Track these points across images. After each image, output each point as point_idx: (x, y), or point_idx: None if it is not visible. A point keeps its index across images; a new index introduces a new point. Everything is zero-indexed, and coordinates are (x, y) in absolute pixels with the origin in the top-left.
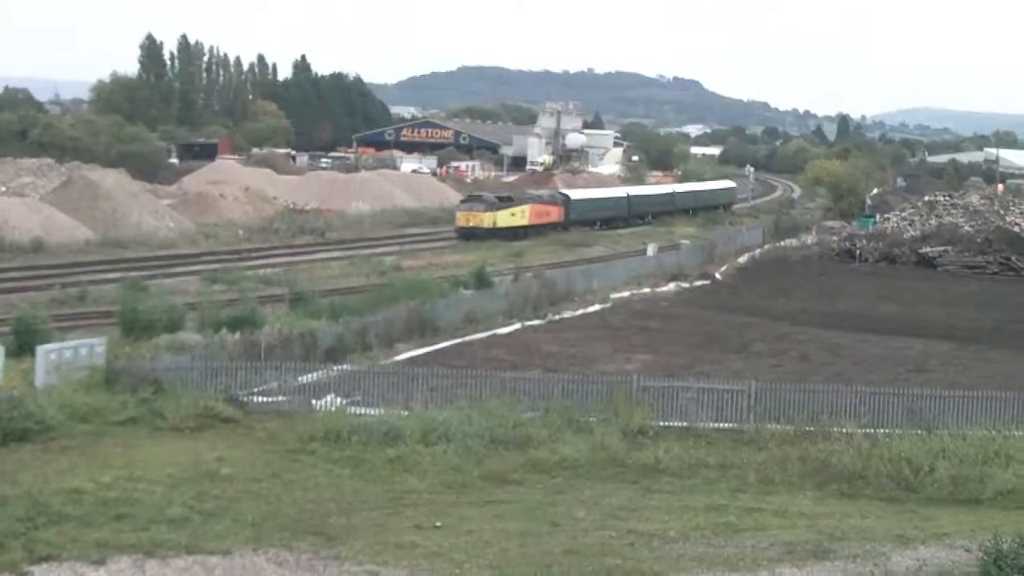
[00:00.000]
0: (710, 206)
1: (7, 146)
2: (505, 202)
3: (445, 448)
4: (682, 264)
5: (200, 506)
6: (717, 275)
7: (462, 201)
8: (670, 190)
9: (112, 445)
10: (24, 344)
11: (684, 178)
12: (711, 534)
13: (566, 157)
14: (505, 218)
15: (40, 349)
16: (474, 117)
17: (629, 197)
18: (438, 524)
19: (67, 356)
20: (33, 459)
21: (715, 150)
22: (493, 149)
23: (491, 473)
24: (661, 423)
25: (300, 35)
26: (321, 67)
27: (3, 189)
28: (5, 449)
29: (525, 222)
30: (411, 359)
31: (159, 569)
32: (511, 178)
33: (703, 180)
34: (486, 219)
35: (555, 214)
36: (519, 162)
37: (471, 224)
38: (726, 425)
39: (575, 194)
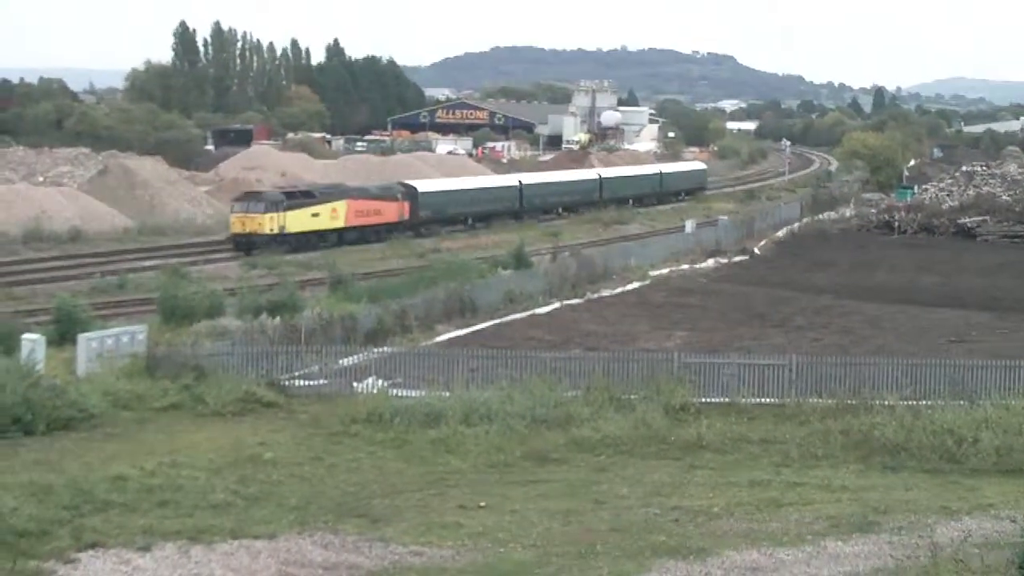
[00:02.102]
0: (659, 193)
1: (43, 136)
2: (301, 199)
3: (487, 428)
4: (720, 240)
5: (244, 491)
6: (756, 250)
7: (236, 200)
8: (592, 176)
9: (155, 432)
10: (65, 333)
11: (634, 160)
12: (755, 509)
13: (601, 135)
14: (300, 220)
15: (81, 337)
16: (509, 97)
17: (521, 186)
18: (482, 504)
19: (108, 344)
20: (77, 447)
21: (751, 125)
22: (528, 129)
23: (533, 452)
24: (703, 399)
25: (333, 19)
26: (354, 50)
27: (40, 179)
28: (49, 438)
29: (340, 223)
30: (451, 340)
31: (204, 554)
32: (547, 157)
33: (660, 162)
34: (267, 222)
35: (392, 211)
36: (555, 141)
37: (247, 230)
38: (768, 400)
39: (425, 185)
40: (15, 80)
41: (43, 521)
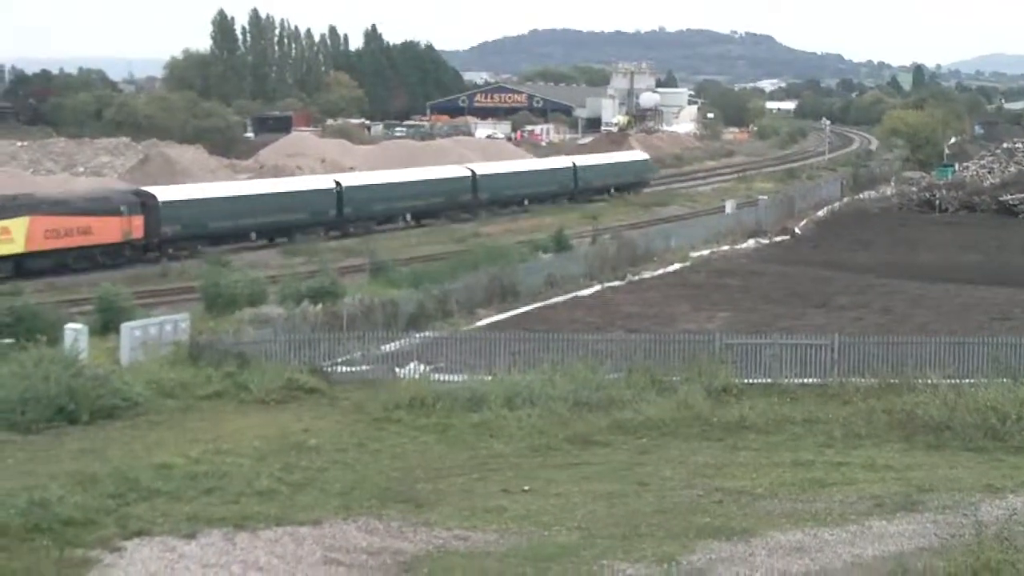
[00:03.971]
0: (579, 190)
1: (84, 126)
2: None
3: (530, 412)
4: (761, 220)
5: (288, 477)
6: (796, 230)
7: None
8: (462, 173)
9: (199, 420)
10: (108, 322)
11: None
12: (799, 490)
13: (640, 117)
14: None
15: (124, 327)
16: (547, 80)
17: (343, 190)
18: (525, 488)
19: (151, 333)
20: (122, 435)
21: (790, 104)
22: (567, 112)
23: (576, 435)
24: (745, 380)
25: (371, 4)
26: (392, 36)
27: (81, 170)
28: (94, 427)
29: (17, 248)
30: (492, 324)
31: (250, 541)
32: (586, 140)
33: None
34: None
35: (110, 229)
36: (594, 123)
37: None
38: (810, 380)
39: (169, 193)
40: (54, 71)
41: (89, 510)
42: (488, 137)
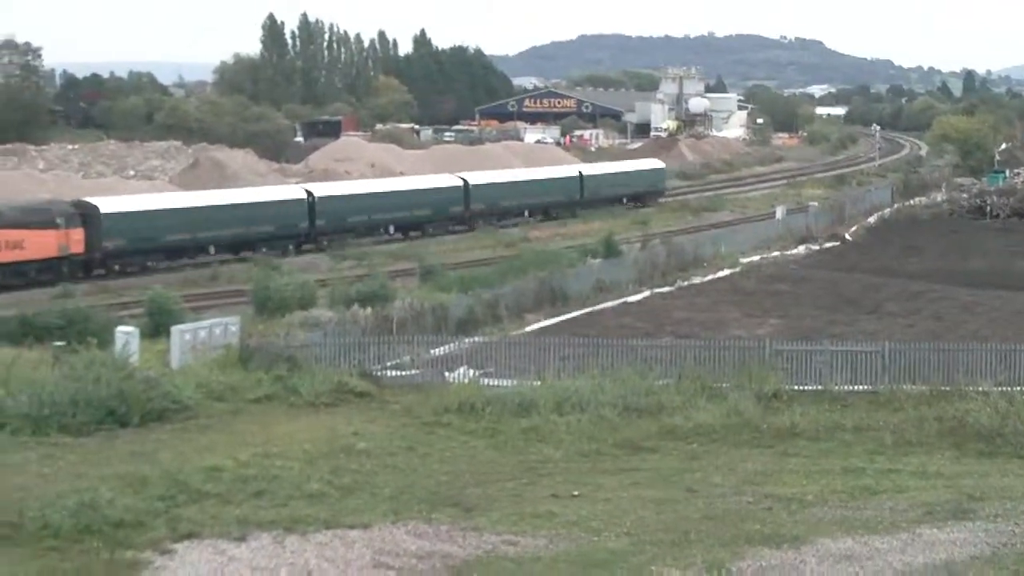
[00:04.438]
0: (585, 200)
1: (134, 130)
2: None
3: (579, 417)
4: (811, 226)
5: (338, 481)
6: (847, 236)
7: None
8: (452, 183)
9: (249, 423)
10: (159, 325)
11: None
12: (849, 497)
13: (690, 122)
14: None
15: (174, 330)
16: (596, 85)
17: (315, 200)
18: (575, 493)
19: (201, 336)
20: (172, 438)
21: (840, 110)
22: (616, 116)
23: (625, 441)
24: (795, 387)
25: (420, 9)
26: (441, 41)
27: (132, 173)
28: (144, 429)
29: None
30: (541, 329)
31: (299, 544)
32: (635, 145)
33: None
34: None
35: (45, 244)
36: (643, 129)
37: None
38: (861, 387)
39: (111, 204)
40: (105, 74)
41: (139, 512)
42: (537, 142)
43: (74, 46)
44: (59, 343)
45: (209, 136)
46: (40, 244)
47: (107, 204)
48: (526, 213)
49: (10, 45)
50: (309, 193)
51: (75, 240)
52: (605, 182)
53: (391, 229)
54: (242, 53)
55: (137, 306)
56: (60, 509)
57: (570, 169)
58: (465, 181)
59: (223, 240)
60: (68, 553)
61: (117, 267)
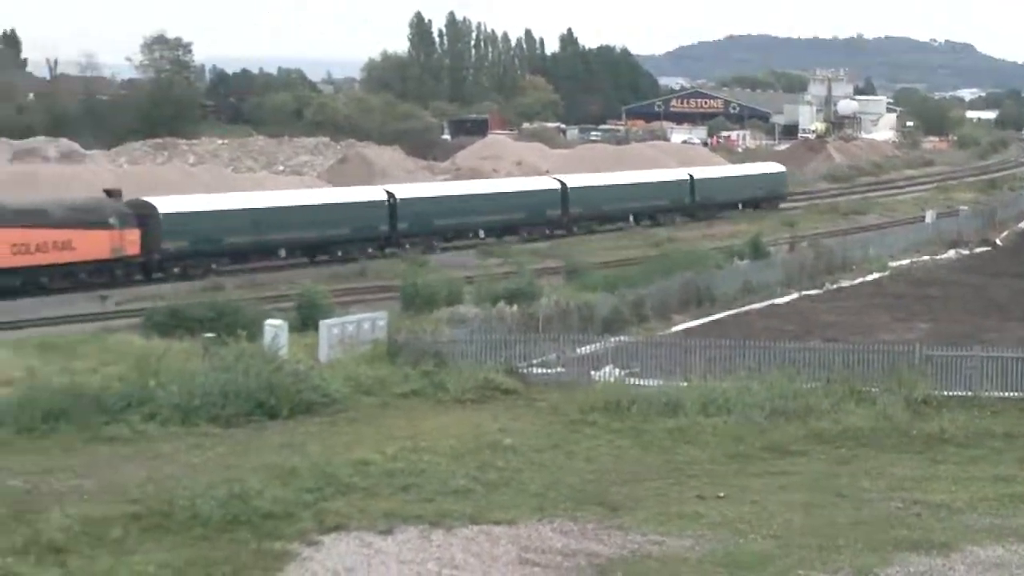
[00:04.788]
0: (697, 205)
1: (284, 126)
2: None
3: (725, 419)
4: (961, 230)
5: (483, 477)
6: (998, 241)
7: None
8: (549, 185)
9: (396, 417)
10: (307, 319)
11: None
12: (999, 505)
13: (838, 124)
14: None
15: (323, 324)
16: (743, 86)
17: (396, 203)
18: (721, 494)
19: (349, 330)
20: (320, 431)
21: (990, 114)
22: (764, 118)
23: (773, 444)
24: (945, 392)
25: (567, 8)
26: (588, 40)
27: (281, 168)
28: (293, 421)
29: None
30: (687, 330)
31: (445, 539)
32: (783, 146)
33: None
34: None
35: (97, 244)
36: (790, 130)
37: None
38: (1012, 394)
39: (171, 204)
40: (255, 70)
41: (287, 503)
42: (684, 142)
43: (224, 42)
44: (209, 335)
45: (357, 133)
46: (91, 245)
47: (166, 204)
48: (631, 218)
49: (161, 40)
50: (390, 194)
51: (130, 241)
52: (719, 186)
53: (481, 233)
54: (390, 51)
55: (286, 300)
56: (210, 499)
57: (679, 172)
58: (563, 183)
59: (294, 243)
60: (217, 542)
61: (177, 270)
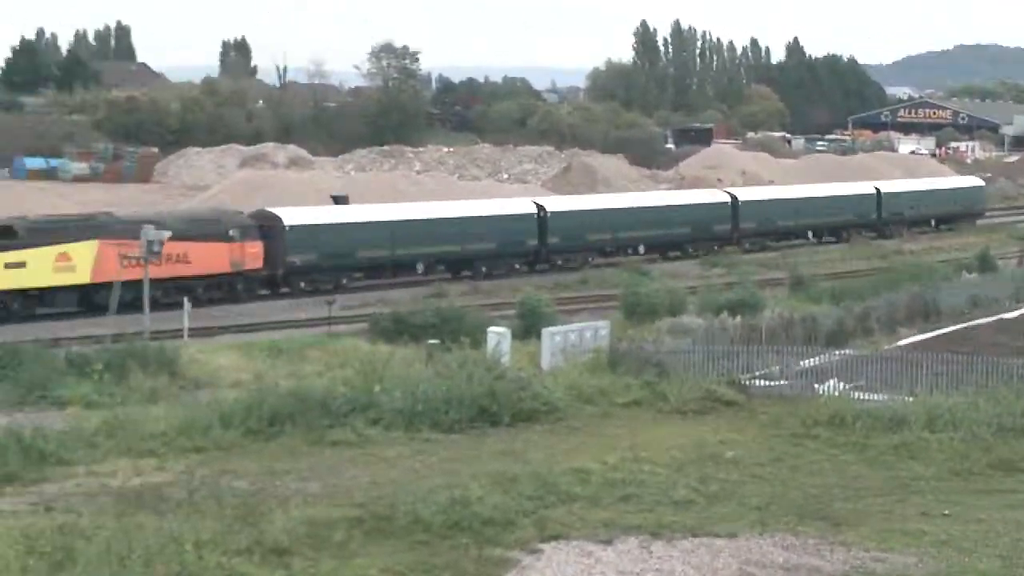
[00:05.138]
0: (884, 221)
1: (508, 134)
2: None
3: (951, 435)
4: None
5: (704, 489)
6: None
7: None
8: (719, 199)
9: (617, 427)
10: (529, 327)
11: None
12: None
13: None
14: None
15: (545, 332)
16: (972, 96)
17: (547, 216)
18: (946, 512)
19: (571, 339)
20: (540, 439)
21: None
22: (993, 129)
23: (1000, 461)
24: None
25: (793, 17)
26: (814, 49)
27: (505, 176)
28: (513, 429)
29: (83, 278)
30: (914, 344)
31: (665, 550)
32: (1014, 158)
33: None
34: None
35: (217, 257)
36: (1021, 141)
37: None
38: None
39: (296, 216)
40: (480, 79)
41: (508, 510)
42: (911, 153)
43: (451, 51)
44: (433, 341)
45: (581, 141)
46: (208, 258)
47: (292, 216)
48: (809, 234)
49: (389, 49)
50: (540, 208)
51: (252, 255)
52: (909, 201)
53: (641, 248)
54: (615, 60)
55: (509, 307)
56: (431, 504)
57: (865, 186)
58: (734, 197)
59: (432, 257)
60: (438, 548)
61: (304, 285)
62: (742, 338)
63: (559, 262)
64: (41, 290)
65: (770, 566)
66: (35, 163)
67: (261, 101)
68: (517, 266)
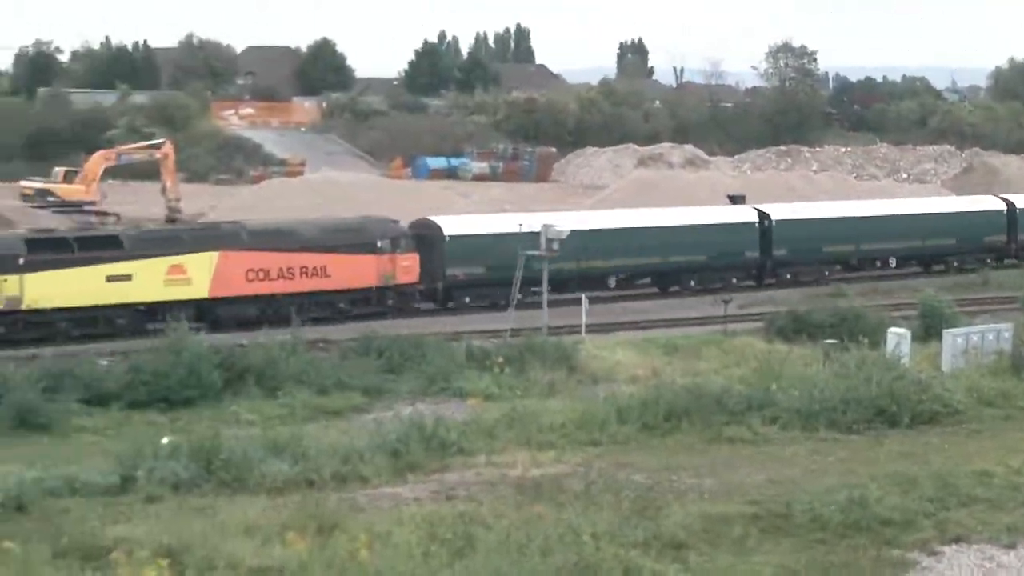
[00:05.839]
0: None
1: (907, 134)
2: (67, 248)
3: None
4: None
5: None
6: None
7: None
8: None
9: (1020, 430)
10: (930, 328)
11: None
12: None
13: None
14: (47, 285)
15: (946, 333)
16: None
17: (771, 225)
18: None
19: (973, 341)
20: (941, 441)
21: None
22: None
23: None
24: None
25: None
26: None
27: (904, 176)
28: (913, 431)
29: (200, 292)
30: None
31: None
32: None
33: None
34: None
35: (362, 272)
36: None
37: None
38: None
39: (457, 225)
40: (878, 78)
41: (907, 512)
42: None
43: (848, 50)
44: (830, 341)
45: (983, 141)
46: (352, 271)
47: (452, 225)
48: (892, 261)
49: (787, 49)
50: (764, 216)
51: (405, 268)
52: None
53: (892, 262)
54: (1017, 58)
55: (910, 308)
56: (829, 503)
57: (993, 201)
58: (1011, 204)
59: (625, 270)
60: (835, 547)
61: (468, 299)
62: None
63: (787, 276)
64: (149, 305)
65: None
66: (437, 163)
67: (657, 101)
68: (735, 280)
